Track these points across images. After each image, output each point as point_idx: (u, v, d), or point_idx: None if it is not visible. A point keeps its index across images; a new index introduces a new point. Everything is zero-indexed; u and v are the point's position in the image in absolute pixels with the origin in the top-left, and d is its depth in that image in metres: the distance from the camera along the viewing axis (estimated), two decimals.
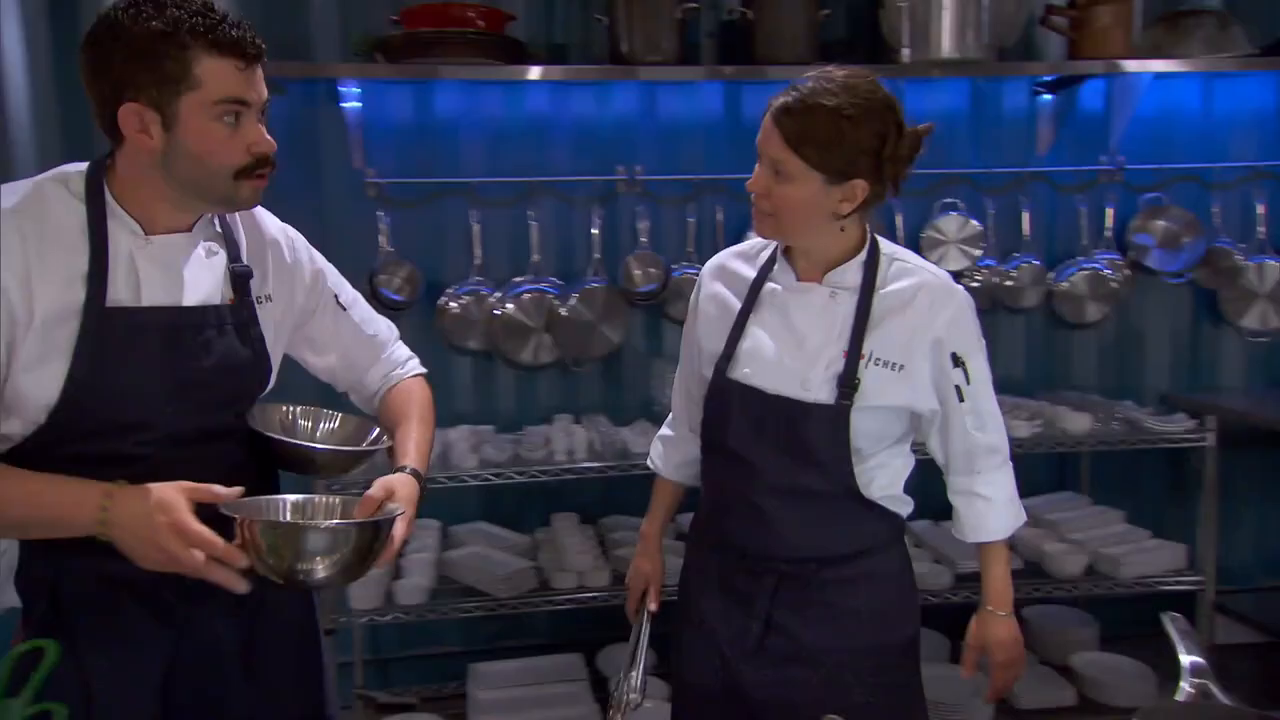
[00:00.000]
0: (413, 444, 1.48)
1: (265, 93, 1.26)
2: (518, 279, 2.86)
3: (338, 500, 1.34)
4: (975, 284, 3.04)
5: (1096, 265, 3.05)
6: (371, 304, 2.62)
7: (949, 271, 2.88)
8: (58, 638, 1.04)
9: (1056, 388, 3.14)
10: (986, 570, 1.62)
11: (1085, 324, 3.12)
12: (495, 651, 2.89)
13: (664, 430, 1.77)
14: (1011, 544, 1.67)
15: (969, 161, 3.05)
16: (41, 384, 1.20)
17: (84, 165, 1.28)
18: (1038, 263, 3.05)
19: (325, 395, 1.60)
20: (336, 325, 1.53)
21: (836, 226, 1.45)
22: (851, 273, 1.48)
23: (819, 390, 1.45)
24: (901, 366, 1.46)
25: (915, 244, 3.00)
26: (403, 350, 1.63)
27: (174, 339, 1.28)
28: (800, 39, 2.69)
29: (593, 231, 2.85)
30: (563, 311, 2.81)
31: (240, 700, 1.36)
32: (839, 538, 1.52)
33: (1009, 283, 3.04)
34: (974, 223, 3.00)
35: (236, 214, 1.38)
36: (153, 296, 1.26)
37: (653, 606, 1.69)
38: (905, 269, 1.50)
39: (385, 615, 2.48)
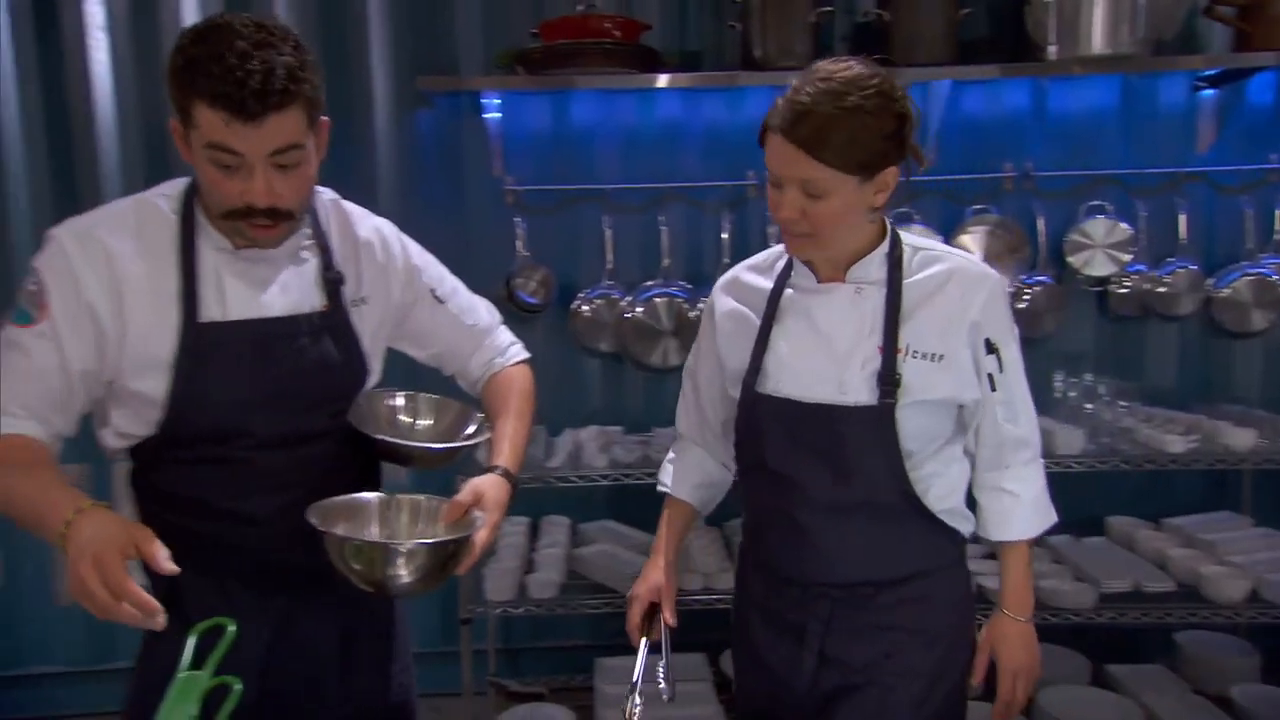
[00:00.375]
0: (507, 442, 1.48)
1: (275, 143, 1.19)
2: (648, 283, 2.91)
3: (422, 500, 1.39)
4: (1124, 290, 2.90)
5: (1263, 270, 2.85)
6: (508, 307, 2.80)
7: (1095, 277, 2.84)
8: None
9: (1214, 400, 2.95)
10: (1006, 571, 1.51)
11: (1249, 333, 2.92)
12: (622, 647, 2.93)
13: (671, 455, 1.66)
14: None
15: (1118, 162, 2.91)
16: (149, 396, 1.28)
17: (184, 180, 1.33)
18: (1194, 268, 2.88)
19: (432, 376, 1.64)
20: (434, 319, 1.54)
21: (868, 220, 1.38)
22: (875, 266, 1.40)
23: (858, 392, 1.37)
24: (941, 356, 1.37)
25: (1058, 249, 2.89)
26: (505, 336, 1.63)
27: (264, 349, 1.31)
28: (939, 39, 2.64)
29: (722, 236, 2.87)
30: (692, 315, 2.85)
31: (332, 687, 1.42)
32: (894, 556, 1.42)
33: (1161, 289, 2.88)
34: (1124, 226, 2.85)
35: (329, 217, 1.42)
36: (240, 310, 1.30)
37: (671, 621, 1.52)
38: (932, 256, 1.41)
39: (518, 608, 2.57)
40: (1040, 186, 2.88)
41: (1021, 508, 1.48)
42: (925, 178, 2.87)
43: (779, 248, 1.50)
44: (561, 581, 2.61)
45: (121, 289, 1.25)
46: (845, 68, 1.30)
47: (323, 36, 2.82)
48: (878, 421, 1.36)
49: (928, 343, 1.37)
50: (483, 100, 2.78)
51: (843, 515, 1.40)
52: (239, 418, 1.31)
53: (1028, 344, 2.86)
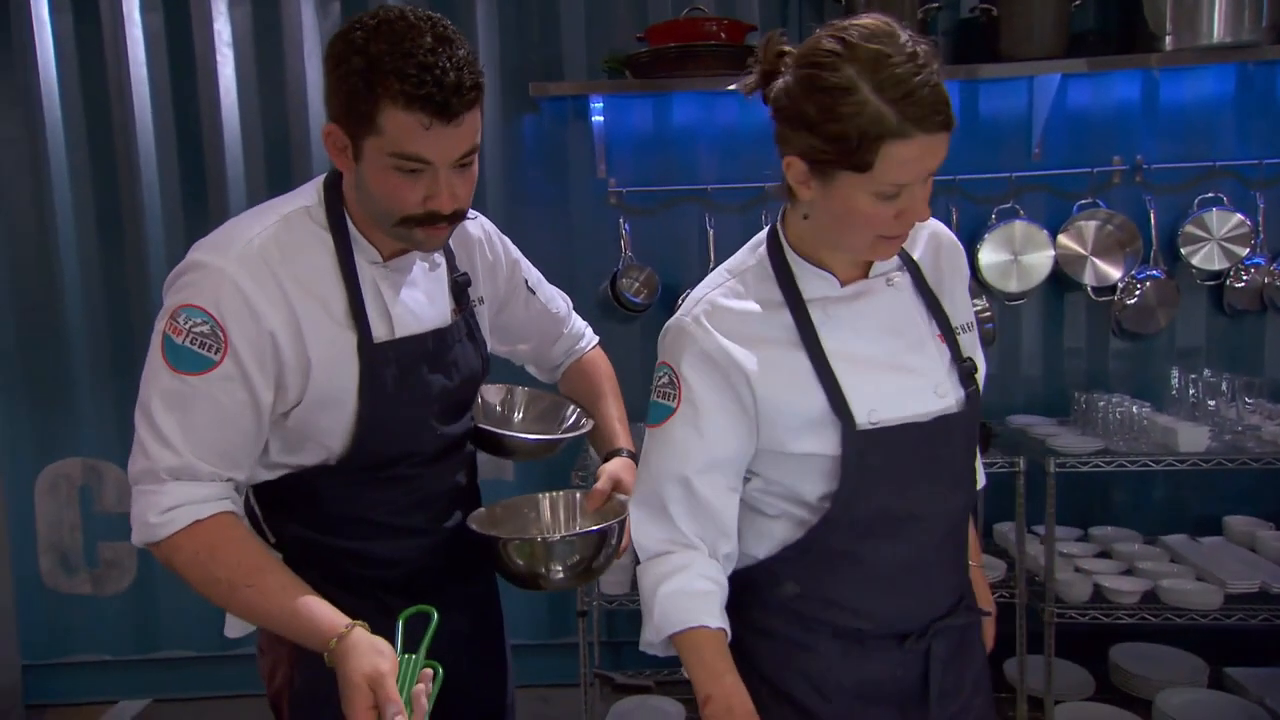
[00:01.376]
0: (618, 423, 1.49)
1: (464, 148, 1.13)
2: None
3: (563, 495, 1.47)
4: (1240, 284, 2.82)
5: None
6: (612, 306, 2.85)
7: (1210, 271, 2.78)
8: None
9: None
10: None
11: None
12: None
13: (681, 581, 1.19)
14: None
15: (1234, 153, 2.83)
16: (334, 427, 1.22)
17: (319, 186, 1.25)
18: None
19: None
20: (528, 310, 1.52)
21: None
22: None
23: (952, 391, 1.22)
24: (971, 324, 1.30)
25: (1171, 241, 2.83)
26: (579, 322, 1.63)
27: (431, 365, 1.29)
28: (1049, 32, 2.61)
29: None
30: None
31: (464, 684, 1.41)
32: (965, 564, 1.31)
33: None
34: (1240, 218, 2.78)
35: None
36: (405, 326, 1.26)
37: None
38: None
39: (633, 601, 2.62)
40: (1152, 179, 2.83)
41: (979, 459, 1.40)
42: (1029, 172, 2.85)
43: (737, 264, 1.25)
44: None
45: (297, 315, 1.17)
46: (882, 25, 1.07)
47: None
48: (973, 418, 1.25)
49: (962, 313, 1.29)
50: (590, 104, 2.84)
51: (955, 533, 1.26)
52: (414, 438, 1.29)
53: (1140, 340, 2.88)
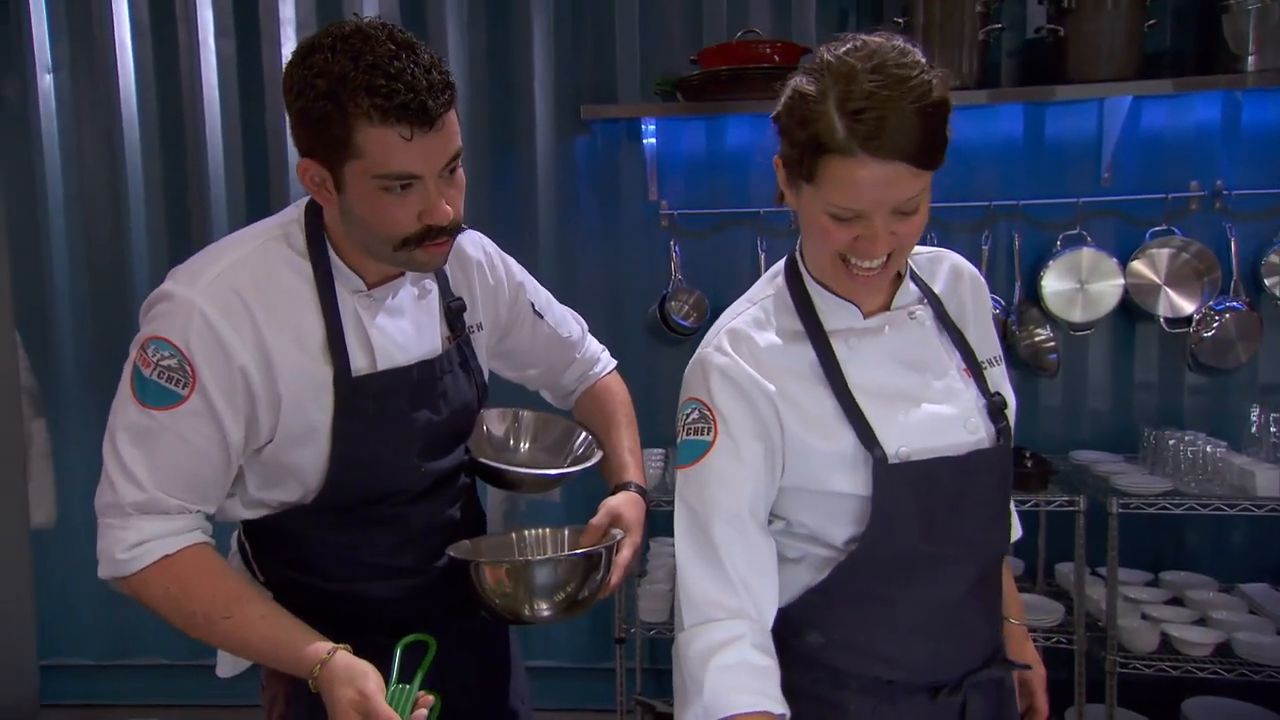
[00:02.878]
0: (629, 455, 1.41)
1: (449, 149, 1.08)
2: None
3: (563, 531, 1.37)
4: None
5: None
6: (660, 328, 2.82)
7: None
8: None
9: None
10: (1007, 579, 1.31)
11: None
12: None
13: (737, 654, 1.06)
14: None
15: None
16: (307, 465, 1.17)
17: (300, 212, 1.19)
18: None
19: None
20: (535, 335, 1.45)
21: None
22: (909, 283, 1.20)
23: (983, 426, 1.16)
24: (999, 358, 1.24)
25: (1254, 271, 2.68)
26: (595, 345, 1.55)
27: (415, 398, 1.22)
28: (1120, 52, 2.50)
29: None
30: None
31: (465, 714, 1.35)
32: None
33: None
34: None
35: None
36: (388, 358, 1.19)
37: None
38: (923, 255, 1.25)
39: (673, 630, 2.57)
40: (1233, 205, 2.68)
41: (1012, 508, 1.31)
42: (1099, 198, 2.73)
43: (757, 293, 1.20)
44: None
45: (269, 349, 1.12)
46: (890, 41, 1.04)
47: (488, 67, 2.96)
48: (1005, 451, 1.19)
49: (988, 346, 1.23)
50: (642, 126, 2.84)
51: (989, 578, 1.20)
52: (396, 477, 1.23)
53: (1217, 374, 2.72)
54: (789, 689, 1.12)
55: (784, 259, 1.22)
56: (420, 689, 1.11)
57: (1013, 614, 1.32)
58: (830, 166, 1.01)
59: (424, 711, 1.09)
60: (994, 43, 2.66)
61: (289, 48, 3.01)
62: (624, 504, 1.33)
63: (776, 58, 2.65)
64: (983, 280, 1.28)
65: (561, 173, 2.98)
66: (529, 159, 2.97)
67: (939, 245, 1.31)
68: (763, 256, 2.86)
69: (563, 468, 1.45)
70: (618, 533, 1.30)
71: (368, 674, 1.07)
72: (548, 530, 1.40)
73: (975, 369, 1.20)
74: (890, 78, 0.99)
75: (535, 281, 1.48)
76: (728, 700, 1.03)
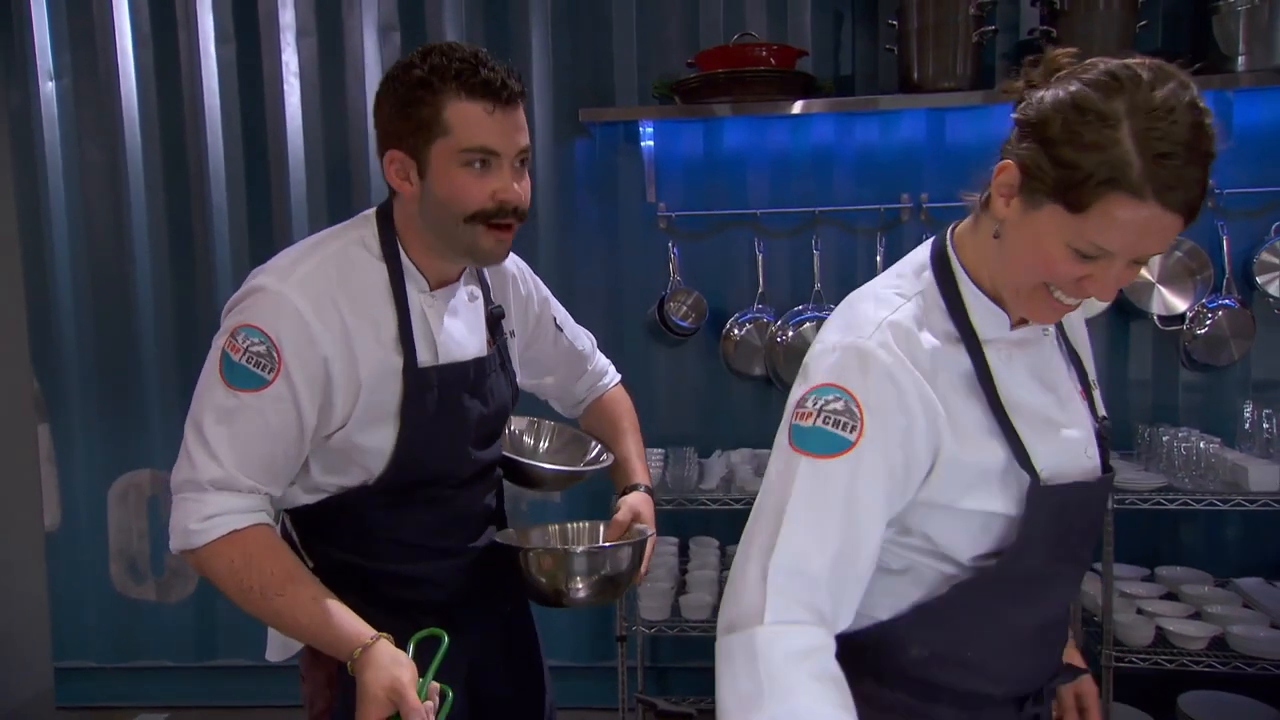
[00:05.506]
0: (636, 459, 1.56)
1: (522, 141, 1.23)
2: (799, 307, 2.90)
3: (584, 526, 1.53)
4: None
5: None
6: (660, 330, 2.85)
7: None
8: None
9: None
10: None
11: None
12: None
13: (822, 664, 0.98)
14: None
15: None
16: (377, 448, 1.27)
17: (372, 218, 1.31)
18: None
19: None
20: (556, 346, 1.58)
21: None
22: None
23: (1094, 448, 1.13)
24: (1096, 379, 1.22)
25: (1245, 269, 2.71)
26: (602, 359, 1.68)
27: (471, 391, 1.34)
28: (1112, 53, 2.47)
29: (876, 260, 2.84)
30: None
31: (501, 704, 1.47)
32: None
33: None
34: None
35: None
36: (448, 353, 1.31)
37: None
38: None
39: (672, 628, 2.60)
40: (1225, 204, 2.71)
41: None
42: None
43: (907, 287, 1.10)
44: (714, 603, 2.62)
45: (351, 340, 1.22)
46: (1179, 77, 0.95)
47: None
48: (1112, 477, 1.16)
49: (1090, 366, 1.21)
50: (640, 129, 2.86)
51: (1075, 592, 1.21)
52: (451, 462, 1.34)
53: (1211, 371, 2.75)
54: (875, 702, 1.08)
55: (928, 249, 1.13)
56: (433, 683, 1.15)
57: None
58: (1112, 204, 0.92)
59: (430, 703, 1.13)
60: (988, 45, 2.69)
61: (289, 53, 3.04)
62: (640, 502, 1.48)
63: (772, 60, 2.67)
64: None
65: (560, 175, 3.01)
66: (528, 162, 2.99)
67: None
68: (760, 258, 2.89)
69: (580, 466, 1.59)
70: (647, 529, 1.44)
71: (405, 664, 1.15)
72: (584, 524, 1.54)
73: (1088, 391, 1.17)
74: (1193, 121, 0.91)
75: (554, 298, 1.60)
76: (819, 712, 0.95)
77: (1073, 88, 0.95)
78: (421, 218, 1.26)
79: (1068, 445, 1.09)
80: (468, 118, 1.18)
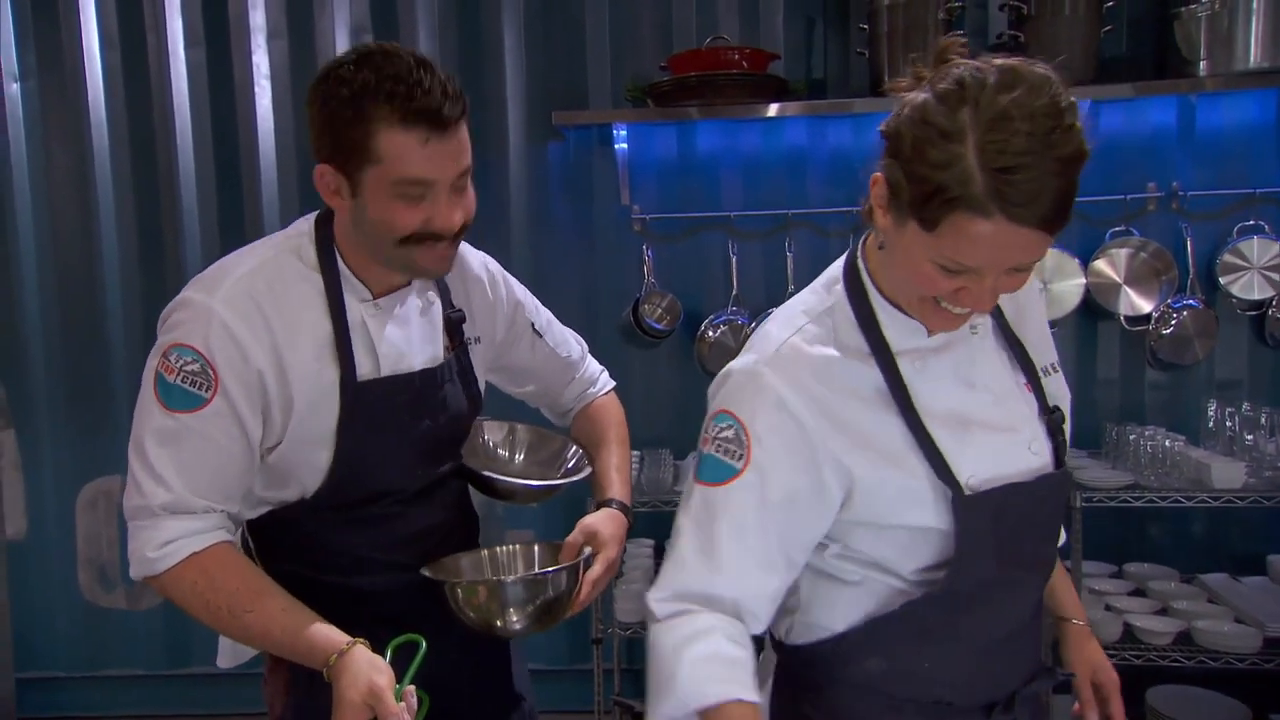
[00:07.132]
0: (615, 473, 1.45)
1: (463, 163, 1.15)
2: (773, 309, 2.91)
3: (536, 547, 1.40)
4: None
5: None
6: (634, 332, 2.86)
7: (1250, 300, 2.69)
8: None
9: None
10: (1062, 577, 1.28)
11: None
12: None
13: (711, 646, 1.03)
14: None
15: (1275, 180, 2.75)
16: (314, 463, 1.23)
17: (309, 226, 1.25)
18: None
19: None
20: (534, 353, 1.50)
21: None
22: None
23: (1044, 445, 1.11)
24: (1056, 363, 1.17)
25: (1209, 270, 2.76)
26: (594, 366, 1.60)
27: (417, 405, 1.28)
28: (1078, 58, 2.57)
29: None
30: None
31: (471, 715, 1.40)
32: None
33: None
34: None
35: None
36: (391, 365, 1.25)
37: None
38: None
39: (647, 629, 2.60)
40: (1189, 207, 2.76)
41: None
42: None
43: (814, 304, 1.10)
44: None
45: (281, 353, 1.18)
46: (1036, 77, 0.92)
47: (460, 74, 2.95)
48: (1066, 474, 1.13)
49: (1044, 353, 1.15)
50: (613, 132, 2.87)
51: (1041, 596, 1.17)
52: (394, 477, 1.29)
53: (1176, 371, 2.80)
54: (837, 712, 1.11)
55: (841, 264, 1.12)
56: (409, 686, 1.14)
57: (1075, 614, 1.28)
58: (957, 222, 0.89)
59: (412, 702, 1.12)
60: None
61: (259, 56, 3.02)
62: (601, 521, 1.36)
63: (745, 64, 2.69)
64: (1037, 280, 1.15)
65: (534, 178, 3.01)
66: (502, 165, 2.99)
67: None
68: (734, 260, 2.90)
69: (553, 480, 1.50)
70: (589, 551, 1.33)
71: (382, 669, 1.13)
72: (519, 547, 1.43)
73: (1035, 382, 1.12)
74: (1043, 128, 0.87)
75: (538, 303, 1.53)
76: (702, 692, 1.01)
77: (921, 99, 0.94)
78: (356, 232, 1.20)
79: (1001, 446, 1.07)
80: (400, 149, 1.09)
